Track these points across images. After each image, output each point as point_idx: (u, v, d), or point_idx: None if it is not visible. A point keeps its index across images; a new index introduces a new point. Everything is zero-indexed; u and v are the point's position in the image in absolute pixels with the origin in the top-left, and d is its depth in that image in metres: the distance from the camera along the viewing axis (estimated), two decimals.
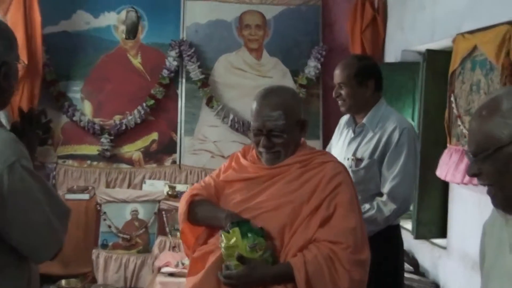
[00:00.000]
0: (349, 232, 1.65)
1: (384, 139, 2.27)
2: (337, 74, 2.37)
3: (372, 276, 2.17)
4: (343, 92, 2.34)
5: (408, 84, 3.90)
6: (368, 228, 2.20)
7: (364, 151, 2.31)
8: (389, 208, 2.21)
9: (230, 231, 1.60)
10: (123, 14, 4.63)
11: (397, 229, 2.38)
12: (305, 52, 4.72)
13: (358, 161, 2.31)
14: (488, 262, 1.33)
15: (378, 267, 2.20)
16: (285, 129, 1.73)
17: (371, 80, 2.34)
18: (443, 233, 3.36)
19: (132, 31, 4.18)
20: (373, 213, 2.21)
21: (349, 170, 2.28)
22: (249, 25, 4.75)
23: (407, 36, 3.89)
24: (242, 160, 1.87)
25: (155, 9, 4.68)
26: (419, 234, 3.37)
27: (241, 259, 1.59)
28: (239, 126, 4.64)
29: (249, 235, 1.60)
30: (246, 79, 4.74)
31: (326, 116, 4.69)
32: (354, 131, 2.40)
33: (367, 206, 2.22)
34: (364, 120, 2.35)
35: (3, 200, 1.34)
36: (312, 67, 4.67)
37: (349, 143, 2.40)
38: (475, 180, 2.70)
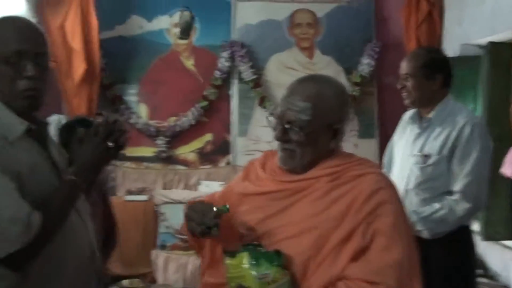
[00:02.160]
0: (391, 268, 1.30)
1: (454, 135, 2.18)
2: (404, 65, 2.31)
3: (444, 280, 2.13)
4: (408, 83, 2.27)
5: (468, 79, 3.77)
6: (438, 229, 2.15)
7: (432, 147, 2.23)
8: (462, 208, 2.13)
9: (237, 255, 1.29)
10: (176, 16, 4.70)
11: (468, 230, 2.29)
12: (358, 50, 4.65)
13: (425, 157, 2.24)
14: None
15: (449, 271, 2.14)
16: (308, 127, 1.39)
17: (439, 74, 2.27)
18: None
19: (185, 31, 4.21)
20: (444, 212, 2.13)
21: (417, 166, 2.23)
22: (300, 23, 4.73)
23: (466, 30, 3.77)
24: (259, 171, 1.53)
25: (206, 11, 4.72)
26: (487, 235, 3.25)
27: None
28: None
29: (260, 262, 1.28)
30: None
31: (382, 114, 4.60)
32: (419, 127, 2.32)
33: (436, 205, 2.15)
34: (431, 115, 2.27)
35: None
36: (365, 64, 4.60)
37: (415, 139, 2.32)
38: None
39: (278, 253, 1.31)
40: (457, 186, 2.16)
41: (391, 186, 1.42)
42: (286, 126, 1.41)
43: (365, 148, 4.43)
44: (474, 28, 3.66)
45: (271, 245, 1.35)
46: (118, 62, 4.64)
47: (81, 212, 1.58)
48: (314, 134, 1.41)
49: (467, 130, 2.16)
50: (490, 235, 3.27)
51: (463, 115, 2.22)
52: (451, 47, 4.05)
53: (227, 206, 1.39)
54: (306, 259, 1.33)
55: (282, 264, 1.30)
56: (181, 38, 4.57)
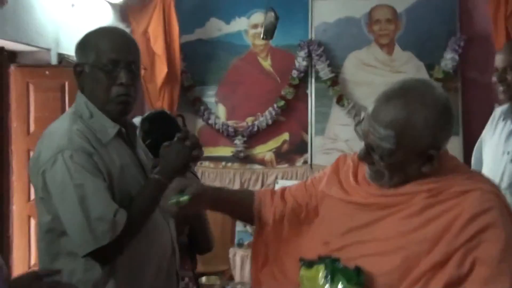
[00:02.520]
0: None
1: None
2: (502, 58, 2.21)
3: None
4: (509, 77, 2.16)
5: None
6: None
7: None
8: None
9: (314, 266, 1.21)
10: (254, 17, 4.76)
11: None
12: (441, 44, 4.45)
13: None
14: None
15: None
16: (390, 156, 1.22)
17: None
18: None
19: (270, 32, 4.23)
20: None
21: (510, 164, 2.10)
22: (379, 20, 4.61)
23: None
24: (351, 178, 1.36)
25: (283, 11, 4.67)
26: None
27: None
28: None
29: (337, 278, 1.17)
30: (377, 76, 4.60)
31: (466, 111, 4.38)
32: None
33: None
34: None
35: (46, 187, 1.49)
36: (448, 59, 4.40)
37: (509, 135, 2.20)
38: None
39: (358, 270, 1.17)
40: None
41: (503, 207, 1.19)
42: (368, 148, 1.25)
43: (449, 147, 4.13)
44: None
45: (351, 260, 1.20)
46: (197, 65, 4.77)
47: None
48: (399, 162, 1.23)
49: None
50: None
51: None
52: None
53: (187, 197, 1.31)
54: (389, 282, 1.17)
55: (361, 283, 1.16)
56: (264, 38, 4.60)
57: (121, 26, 4.36)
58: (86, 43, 1.62)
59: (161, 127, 2.34)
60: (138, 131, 1.79)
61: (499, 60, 2.23)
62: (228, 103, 4.84)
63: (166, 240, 1.66)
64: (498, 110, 2.38)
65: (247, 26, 4.78)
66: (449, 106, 1.25)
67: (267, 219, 1.45)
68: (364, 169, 1.34)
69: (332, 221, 1.33)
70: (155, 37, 4.48)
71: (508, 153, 2.16)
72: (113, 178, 1.54)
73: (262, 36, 4.30)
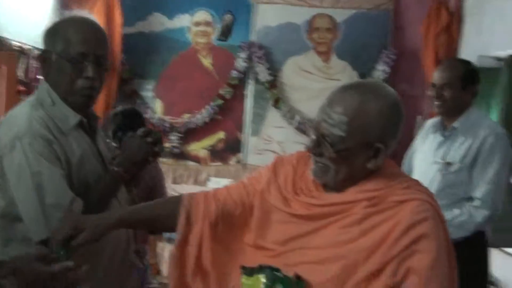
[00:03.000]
0: None
1: (477, 144, 2.25)
2: (441, 75, 2.36)
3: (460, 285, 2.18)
4: (446, 93, 2.33)
5: (483, 91, 3.79)
6: (456, 234, 2.19)
7: (455, 156, 2.30)
8: (480, 214, 2.20)
9: (255, 275, 1.21)
10: (198, 15, 4.76)
11: (484, 236, 2.35)
12: (374, 56, 4.70)
13: (447, 165, 2.31)
14: None
15: (465, 275, 2.19)
16: (340, 144, 1.23)
17: (473, 85, 2.34)
18: None
19: (225, 33, 4.30)
20: (464, 218, 2.20)
21: (439, 173, 2.29)
22: (319, 28, 4.78)
23: (485, 41, 3.81)
24: (290, 188, 1.35)
25: (227, 12, 4.78)
26: (493, 243, 3.29)
27: None
28: (305, 127, 4.67)
29: (277, 287, 1.18)
30: (313, 82, 4.77)
31: None
32: (443, 135, 2.38)
33: (456, 211, 2.21)
34: (456, 124, 2.34)
35: (3, 172, 1.48)
36: (380, 71, 4.65)
37: (438, 146, 2.39)
38: None
39: (298, 279, 1.18)
40: (478, 193, 2.23)
41: (437, 217, 1.22)
42: (319, 139, 1.26)
43: None
44: (493, 40, 3.70)
45: (291, 266, 1.21)
46: (137, 58, 4.70)
47: (122, 203, 1.66)
48: (348, 152, 1.24)
49: (490, 140, 2.23)
50: (496, 243, 3.30)
51: (486, 125, 2.28)
52: (468, 58, 4.08)
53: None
54: None
55: None
56: (220, 39, 4.60)
57: (62, 12, 4.23)
58: (55, 32, 1.59)
59: (133, 123, 2.54)
60: (107, 123, 1.78)
61: (437, 77, 2.38)
62: (165, 98, 4.81)
63: (121, 232, 1.65)
64: (430, 123, 2.56)
65: (190, 23, 4.78)
66: (400, 104, 1.28)
67: (198, 220, 1.37)
68: (306, 173, 1.34)
69: (272, 227, 1.31)
70: None
71: (437, 163, 2.34)
72: (71, 167, 1.54)
73: (218, 37, 4.38)
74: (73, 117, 1.58)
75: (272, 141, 4.80)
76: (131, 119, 2.69)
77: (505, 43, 3.52)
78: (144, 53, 4.73)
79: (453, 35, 4.19)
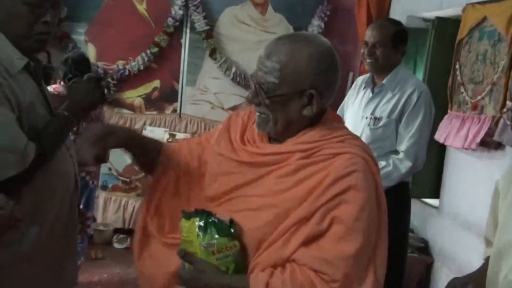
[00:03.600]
0: (342, 261, 1.18)
1: (403, 100, 2.41)
2: (373, 34, 2.46)
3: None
4: (377, 51, 2.44)
5: (412, 50, 4.01)
6: (382, 184, 2.38)
7: (383, 111, 2.45)
8: (404, 166, 2.38)
9: (191, 218, 1.26)
10: None
11: (406, 186, 2.55)
12: (310, 11, 4.78)
13: (376, 120, 2.45)
14: (504, 214, 1.48)
15: (388, 221, 2.39)
16: (274, 90, 1.28)
17: (403, 44, 2.46)
18: (436, 194, 3.57)
19: None
20: (389, 169, 2.37)
21: (367, 128, 2.44)
22: None
23: (414, 2, 3.98)
24: (238, 139, 1.42)
25: None
26: (413, 193, 3.55)
27: (184, 257, 1.24)
28: (241, 79, 4.73)
29: (209, 230, 1.23)
30: (249, 34, 4.80)
31: None
32: (372, 91, 2.52)
33: (383, 163, 2.37)
34: (384, 81, 2.48)
35: None
36: (315, 25, 4.75)
37: (367, 102, 2.53)
38: (474, 145, 2.90)
39: (231, 223, 1.25)
40: (402, 146, 2.40)
41: (367, 171, 1.26)
42: (258, 88, 1.30)
43: None
44: (422, 1, 3.87)
45: (233, 213, 1.27)
46: None
47: (69, 148, 1.66)
48: (282, 98, 1.28)
49: (414, 97, 2.40)
50: (415, 193, 3.58)
51: (411, 83, 2.44)
52: (398, 18, 4.22)
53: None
54: (260, 235, 1.24)
55: (232, 235, 1.23)
56: None
57: None
58: None
59: (82, 68, 2.78)
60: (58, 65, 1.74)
61: (370, 35, 2.48)
62: (98, 43, 4.67)
63: (70, 173, 1.67)
64: (360, 79, 2.69)
65: None
66: (333, 54, 1.31)
67: (167, 168, 1.48)
68: (252, 130, 1.41)
69: (221, 178, 1.37)
70: None
71: (366, 117, 2.49)
72: (22, 110, 1.50)
73: None
74: (20, 59, 1.53)
75: (208, 91, 4.82)
76: (80, 64, 2.89)
77: (432, 5, 3.69)
78: None
79: None
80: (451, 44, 3.29)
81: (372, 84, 2.54)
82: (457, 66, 3.24)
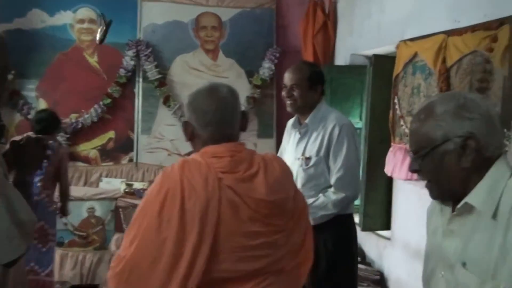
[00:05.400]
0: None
1: (326, 137, 2.47)
2: (290, 77, 2.53)
3: (329, 264, 2.39)
4: (295, 93, 2.51)
5: (356, 86, 4.13)
6: (319, 213, 2.41)
7: (311, 150, 2.50)
8: (337, 197, 2.41)
9: None
10: (81, 12, 4.69)
11: (350, 218, 2.57)
12: (260, 54, 4.89)
13: (307, 159, 2.50)
14: (428, 244, 1.51)
15: (334, 255, 2.41)
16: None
17: (319, 85, 2.54)
18: (387, 226, 3.60)
19: (101, 38, 4.25)
20: (322, 200, 2.41)
21: (300, 169, 2.48)
22: (205, 26, 4.88)
23: (356, 41, 4.12)
24: None
25: (112, 9, 4.72)
26: (365, 226, 3.60)
27: None
28: None
29: None
30: (202, 79, 4.85)
31: (280, 116, 4.86)
32: (300, 132, 2.58)
33: (318, 195, 2.42)
34: (307, 121, 2.54)
35: None
36: (266, 68, 4.85)
37: (297, 144, 2.58)
38: (416, 176, 2.95)
39: None
40: (332, 179, 2.45)
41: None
42: None
43: (264, 148, 4.68)
44: (362, 40, 4.01)
45: None
46: (16, 56, 4.50)
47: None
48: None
49: (336, 131, 2.46)
50: (368, 226, 3.61)
51: (332, 118, 2.50)
52: (342, 56, 4.40)
53: None
54: None
55: None
56: (99, 42, 4.49)
57: None
58: None
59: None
60: None
61: (288, 78, 2.56)
62: (50, 98, 4.67)
63: None
64: (290, 122, 2.76)
65: (73, 20, 4.68)
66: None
67: None
68: None
69: None
70: None
71: (299, 159, 2.54)
72: None
73: (97, 41, 4.33)
74: None
75: (164, 138, 4.84)
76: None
77: (371, 43, 3.83)
78: (24, 51, 4.55)
79: (329, 34, 4.47)
80: (389, 79, 3.40)
81: (299, 125, 2.60)
82: (395, 100, 3.33)
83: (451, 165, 1.24)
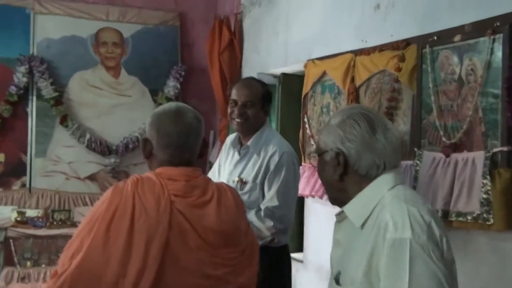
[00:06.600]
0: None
1: (265, 163, 2.31)
2: (245, 93, 2.35)
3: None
4: (249, 111, 2.34)
5: None
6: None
7: (249, 175, 2.34)
8: (267, 225, 2.24)
9: None
10: None
11: (287, 248, 2.44)
12: (165, 72, 4.73)
13: (243, 184, 2.33)
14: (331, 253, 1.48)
15: (270, 280, 2.24)
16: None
17: (268, 105, 2.42)
18: (300, 248, 3.57)
19: None
20: (256, 226, 2.23)
21: (239, 191, 2.30)
22: (106, 42, 4.64)
23: (263, 60, 4.10)
24: None
25: (2, 21, 4.35)
26: None
27: None
28: (96, 146, 4.48)
29: None
30: (103, 98, 4.61)
31: None
32: (239, 153, 2.42)
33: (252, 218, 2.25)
34: (249, 143, 2.38)
35: None
36: (171, 86, 4.69)
37: (235, 165, 2.42)
38: (320, 193, 2.93)
39: None
40: (263, 206, 2.28)
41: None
42: None
43: None
44: (269, 58, 3.99)
45: None
46: None
47: None
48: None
49: (275, 158, 2.30)
50: None
51: (274, 144, 2.35)
52: (249, 75, 4.33)
53: None
54: None
55: None
56: None
57: None
58: None
59: None
60: None
61: (239, 94, 2.36)
62: None
63: None
64: (229, 139, 2.57)
65: None
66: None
67: None
68: None
69: None
70: None
71: (234, 181, 2.37)
72: None
73: None
74: None
75: (61, 161, 4.49)
76: None
77: (278, 62, 3.82)
78: None
79: (235, 52, 4.42)
80: (298, 98, 3.39)
81: (239, 145, 2.45)
82: (305, 119, 3.32)
83: (329, 174, 1.33)
